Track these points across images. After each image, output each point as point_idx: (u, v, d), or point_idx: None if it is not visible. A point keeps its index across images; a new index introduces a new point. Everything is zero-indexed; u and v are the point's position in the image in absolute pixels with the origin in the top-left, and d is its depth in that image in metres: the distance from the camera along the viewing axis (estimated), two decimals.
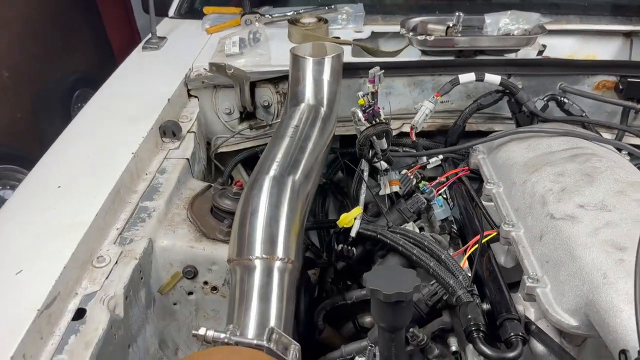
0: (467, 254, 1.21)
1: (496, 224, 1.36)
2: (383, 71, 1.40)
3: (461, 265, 1.17)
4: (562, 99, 1.70)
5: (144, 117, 1.54)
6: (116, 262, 1.16)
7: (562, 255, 1.08)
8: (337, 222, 1.37)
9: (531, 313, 1.10)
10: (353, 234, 1.41)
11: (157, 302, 1.27)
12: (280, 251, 1.11)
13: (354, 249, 1.48)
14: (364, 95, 1.38)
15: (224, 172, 1.79)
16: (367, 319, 1.56)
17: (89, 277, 1.12)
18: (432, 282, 1.19)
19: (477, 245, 1.22)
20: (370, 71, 1.39)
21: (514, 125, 1.74)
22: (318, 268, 1.83)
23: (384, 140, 1.43)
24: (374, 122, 1.37)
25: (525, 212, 1.26)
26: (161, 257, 1.25)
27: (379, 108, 1.37)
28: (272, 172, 1.23)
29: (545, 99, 1.72)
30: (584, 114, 1.69)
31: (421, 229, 1.52)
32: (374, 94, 1.41)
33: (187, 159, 1.51)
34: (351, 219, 1.35)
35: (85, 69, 4.48)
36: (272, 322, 1.03)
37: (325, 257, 1.85)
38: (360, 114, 1.37)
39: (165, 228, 1.29)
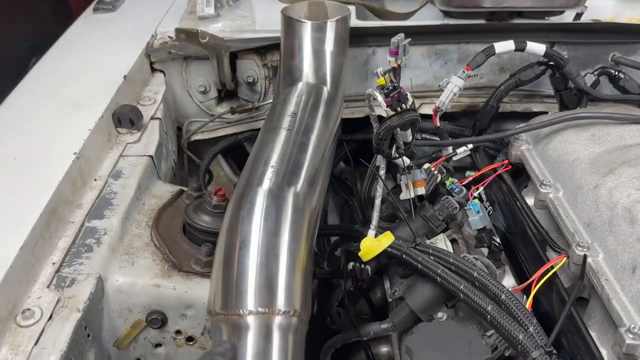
0: (533, 292, 0.90)
1: (552, 239, 1.05)
2: (409, 39, 1.05)
3: (528, 308, 0.87)
4: (617, 73, 1.39)
5: (92, 101, 1.18)
6: (50, 317, 0.82)
7: None
8: (360, 255, 1.04)
9: None
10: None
11: (114, 359, 0.94)
12: (281, 301, 0.78)
13: (368, 267, 1.16)
14: (384, 73, 1.03)
15: (200, 167, 1.44)
16: (384, 349, 1.26)
17: (9, 344, 0.78)
18: (489, 333, 0.88)
19: (544, 279, 0.91)
20: (393, 39, 1.04)
21: (556, 105, 1.42)
22: (316, 279, 1.52)
23: (409, 131, 1.09)
24: (399, 108, 1.03)
25: (602, 229, 0.95)
26: (115, 301, 0.92)
27: (405, 90, 1.03)
28: (266, 184, 0.89)
29: (595, 73, 1.40)
30: None
31: (453, 241, 1.21)
32: (397, 70, 1.07)
33: (151, 156, 1.16)
34: (381, 249, 1.02)
35: (41, 34, 4.03)
36: None
37: (326, 266, 1.54)
38: (380, 98, 1.03)
39: (121, 258, 0.95)
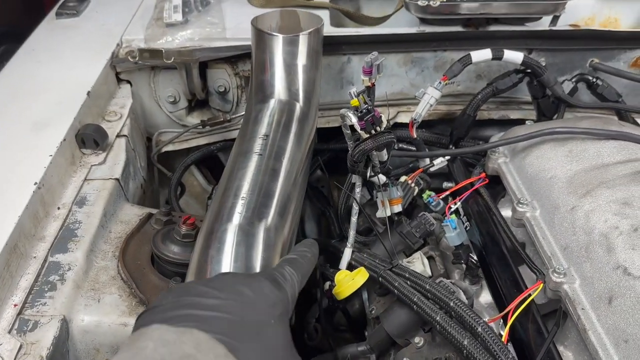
0: (510, 323, 0.89)
1: (530, 259, 1.04)
2: (384, 58, 1.01)
3: (504, 340, 0.86)
4: (595, 79, 1.37)
5: (54, 121, 1.12)
6: None
7: None
8: (335, 293, 1.02)
9: None
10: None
11: None
12: None
13: None
14: (358, 94, 0.99)
15: (172, 181, 1.39)
16: None
17: None
18: None
19: (520, 309, 0.90)
20: (367, 59, 1.00)
21: (533, 112, 1.40)
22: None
23: (384, 151, 1.06)
24: (373, 131, 1.00)
25: (579, 255, 0.94)
26: (82, 341, 0.88)
27: (379, 113, 1.00)
28: (236, 219, 0.86)
29: (573, 80, 1.38)
30: (620, 99, 1.36)
31: (430, 258, 1.19)
32: (371, 89, 1.03)
33: (117, 179, 1.11)
34: (355, 287, 1.00)
35: (9, 21, 3.88)
36: None
37: None
38: (354, 120, 1.00)
39: (87, 295, 0.91)
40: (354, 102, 1.00)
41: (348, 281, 0.98)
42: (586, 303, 0.88)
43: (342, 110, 1.03)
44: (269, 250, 0.85)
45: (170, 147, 1.43)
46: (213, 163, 1.57)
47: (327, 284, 1.17)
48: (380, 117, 1.00)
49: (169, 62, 1.22)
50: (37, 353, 0.80)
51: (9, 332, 0.83)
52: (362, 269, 1.02)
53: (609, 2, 1.69)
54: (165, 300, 0.65)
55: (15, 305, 0.86)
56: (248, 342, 0.62)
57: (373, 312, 1.16)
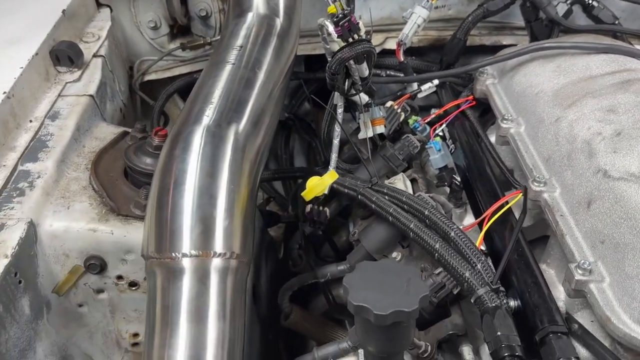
0: (485, 229, 0.87)
1: (513, 175, 1.02)
2: None
3: (478, 245, 0.83)
4: (591, 1, 1.31)
5: (28, 38, 1.09)
6: None
7: (626, 235, 0.75)
8: (303, 194, 1.00)
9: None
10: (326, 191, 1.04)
11: (54, 305, 0.91)
12: (219, 243, 0.74)
13: (326, 209, 1.13)
14: (335, 0, 0.96)
15: (154, 109, 1.37)
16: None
17: None
18: (437, 271, 0.85)
19: (496, 216, 0.88)
20: None
21: (527, 37, 1.35)
22: (284, 224, 1.49)
23: (364, 65, 1.02)
24: (350, 39, 0.96)
25: (561, 164, 0.91)
26: (50, 246, 0.87)
27: (356, 19, 0.96)
28: (204, 120, 0.83)
29: (568, 2, 1.32)
30: (617, 22, 1.31)
31: (413, 180, 1.17)
32: None
33: (92, 96, 1.09)
34: (324, 188, 0.98)
35: None
36: (210, 354, 0.69)
37: (291, 210, 1.51)
38: (330, 28, 0.96)
39: (56, 202, 0.90)
40: (331, 8, 0.96)
41: (317, 182, 0.96)
42: (565, 210, 0.86)
43: (319, 20, 1.00)
44: (236, 153, 0.82)
45: (152, 76, 1.40)
46: None
47: (309, 206, 1.15)
48: (358, 23, 0.96)
49: None
50: (1, 252, 0.79)
51: None
52: (332, 171, 1.00)
53: None
54: None
55: None
56: None
57: (355, 235, 1.15)
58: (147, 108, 1.43)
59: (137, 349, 0.99)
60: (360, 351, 0.94)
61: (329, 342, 0.96)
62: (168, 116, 1.46)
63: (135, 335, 0.98)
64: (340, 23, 0.93)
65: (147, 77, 1.40)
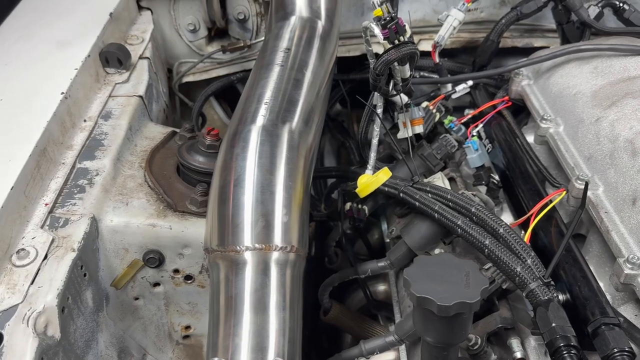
0: (532, 225, 0.90)
1: (552, 175, 1.04)
2: None
3: (526, 241, 0.86)
4: (622, 4, 1.33)
5: (78, 40, 1.14)
6: (45, 257, 0.81)
7: None
8: (357, 191, 1.03)
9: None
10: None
11: (112, 299, 0.95)
12: (278, 237, 0.78)
13: (365, 207, 1.16)
14: (381, 3, 0.99)
15: (193, 110, 1.41)
16: (381, 288, 1.28)
17: (5, 283, 0.78)
18: (487, 266, 0.88)
19: (543, 213, 0.90)
20: None
21: (558, 39, 1.38)
22: (314, 222, 1.52)
23: (407, 66, 1.05)
24: (396, 41, 0.99)
25: (603, 163, 0.93)
26: (111, 241, 0.91)
27: (403, 21, 0.99)
28: (260, 120, 0.87)
29: (599, 5, 1.34)
30: None
31: (451, 179, 1.19)
32: (394, 0, 1.02)
33: (141, 97, 1.12)
34: (378, 185, 1.01)
35: None
36: (273, 342, 0.72)
37: (323, 208, 1.54)
38: (377, 30, 0.99)
39: (115, 199, 0.94)
40: (377, 11, 0.99)
41: (371, 179, 0.99)
42: (610, 207, 0.88)
43: (365, 22, 1.02)
44: (292, 151, 0.85)
45: (191, 77, 1.44)
46: (233, 98, 1.58)
47: (348, 204, 1.18)
48: (404, 25, 0.99)
49: None
50: (68, 246, 0.83)
51: (41, 227, 0.85)
52: (386, 168, 1.02)
53: None
54: None
55: (46, 204, 0.89)
56: None
57: (393, 232, 1.17)
58: (185, 109, 1.46)
59: (188, 342, 1.02)
60: (402, 347, 0.97)
61: (374, 337, 1.00)
62: (205, 117, 1.50)
63: (187, 327, 1.01)
64: (388, 26, 0.96)
65: (185, 79, 1.43)
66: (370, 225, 1.36)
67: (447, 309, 0.65)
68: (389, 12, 0.99)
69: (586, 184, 0.90)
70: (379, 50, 1.02)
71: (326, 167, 1.53)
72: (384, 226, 1.27)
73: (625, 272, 0.78)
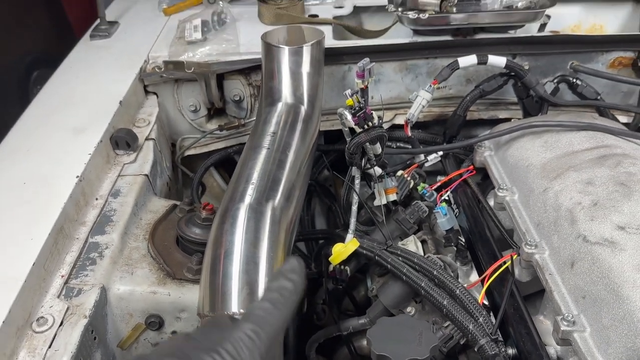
0: (485, 287, 1.02)
1: (510, 236, 1.17)
2: (374, 64, 1.17)
3: (479, 301, 0.98)
4: (575, 80, 1.50)
5: (92, 126, 1.30)
6: (61, 323, 0.94)
7: (602, 292, 0.89)
8: (331, 259, 1.16)
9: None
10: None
11: (119, 358, 1.07)
12: None
13: (347, 268, 1.28)
14: (352, 94, 1.15)
15: (193, 179, 1.56)
16: (365, 342, 1.38)
17: (27, 347, 0.90)
18: (446, 324, 1.00)
19: (495, 275, 1.03)
20: (359, 64, 1.16)
21: (520, 111, 1.53)
22: (306, 281, 1.64)
23: (377, 144, 1.21)
24: (366, 126, 1.15)
25: (549, 229, 1.06)
26: (118, 307, 1.04)
27: (370, 111, 1.15)
28: (247, 199, 1.01)
29: (555, 81, 1.51)
30: (598, 97, 1.49)
31: (423, 242, 1.33)
32: (364, 91, 1.18)
33: (146, 175, 1.28)
34: (347, 254, 1.14)
35: (42, 47, 4.11)
36: None
37: (314, 267, 1.66)
38: (349, 117, 1.15)
39: (122, 269, 1.07)
40: (349, 101, 1.16)
41: (342, 249, 1.12)
42: (553, 269, 1.01)
43: (339, 110, 1.19)
44: (274, 225, 0.99)
45: (192, 151, 1.60)
46: (231, 166, 1.73)
47: (331, 266, 1.31)
48: (372, 113, 1.15)
49: (190, 72, 1.39)
50: (81, 313, 0.96)
51: (58, 297, 0.98)
52: (354, 239, 1.16)
53: (594, 10, 1.82)
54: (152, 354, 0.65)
55: (62, 276, 1.02)
56: None
57: (373, 290, 1.30)
58: (187, 179, 1.62)
59: None
60: None
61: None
62: (205, 186, 1.65)
63: None
64: (358, 114, 1.12)
65: (187, 153, 1.59)
66: (356, 282, 1.48)
67: None
68: (358, 102, 1.15)
69: (511, 259, 1.03)
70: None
71: (314, 230, 1.66)
72: (369, 283, 1.39)
73: (562, 328, 0.89)
